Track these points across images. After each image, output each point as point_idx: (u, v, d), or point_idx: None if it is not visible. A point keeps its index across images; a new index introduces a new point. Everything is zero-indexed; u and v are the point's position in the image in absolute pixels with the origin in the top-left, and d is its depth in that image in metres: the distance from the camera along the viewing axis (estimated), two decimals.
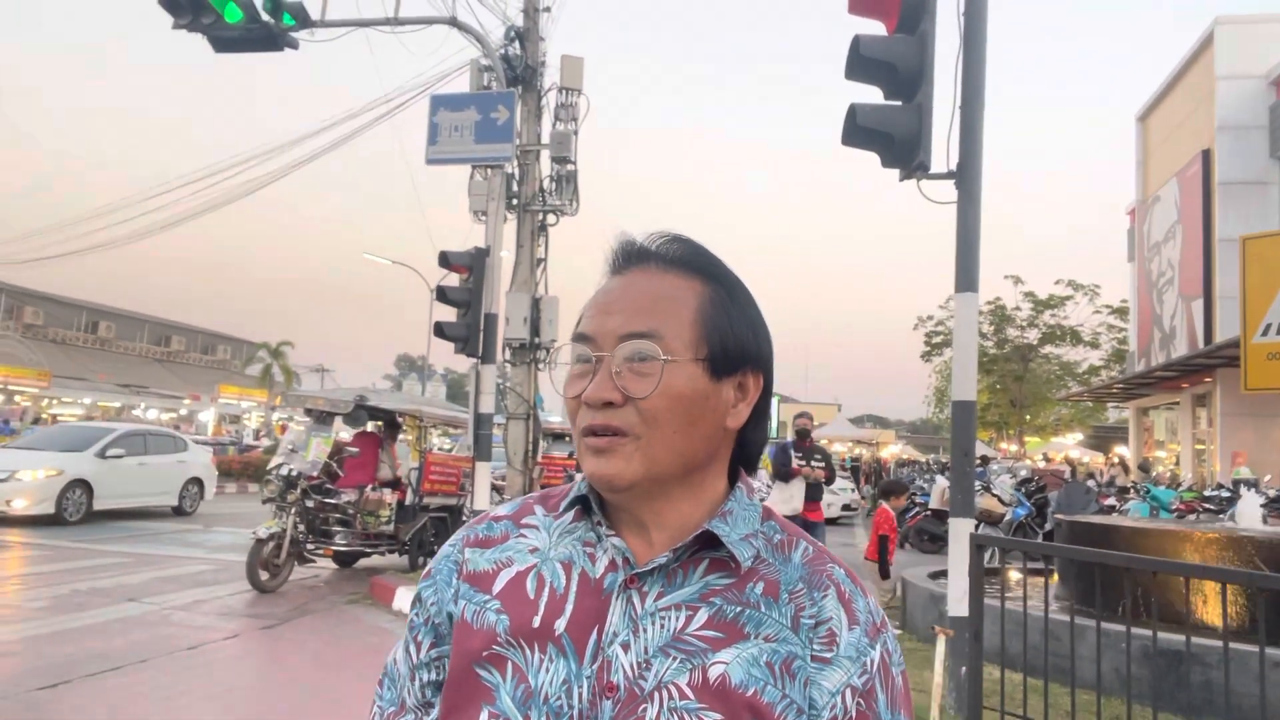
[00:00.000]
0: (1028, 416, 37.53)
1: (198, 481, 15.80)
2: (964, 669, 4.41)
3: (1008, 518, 10.81)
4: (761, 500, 0.95)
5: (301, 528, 8.95)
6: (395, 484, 10.48)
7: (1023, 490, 13.56)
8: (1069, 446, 34.67)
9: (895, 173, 4.88)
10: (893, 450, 42.38)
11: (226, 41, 9.74)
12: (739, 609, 0.85)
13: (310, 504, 9.10)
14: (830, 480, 9.12)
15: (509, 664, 0.85)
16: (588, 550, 0.90)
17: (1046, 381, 37.14)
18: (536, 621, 0.86)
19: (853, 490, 21.92)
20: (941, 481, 13.76)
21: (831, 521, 15.24)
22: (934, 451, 47.72)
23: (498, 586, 0.90)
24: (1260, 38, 19.55)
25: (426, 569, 0.98)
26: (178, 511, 15.27)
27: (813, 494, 8.70)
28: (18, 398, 35.00)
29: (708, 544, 0.87)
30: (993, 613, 4.51)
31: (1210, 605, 5.25)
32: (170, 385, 48.35)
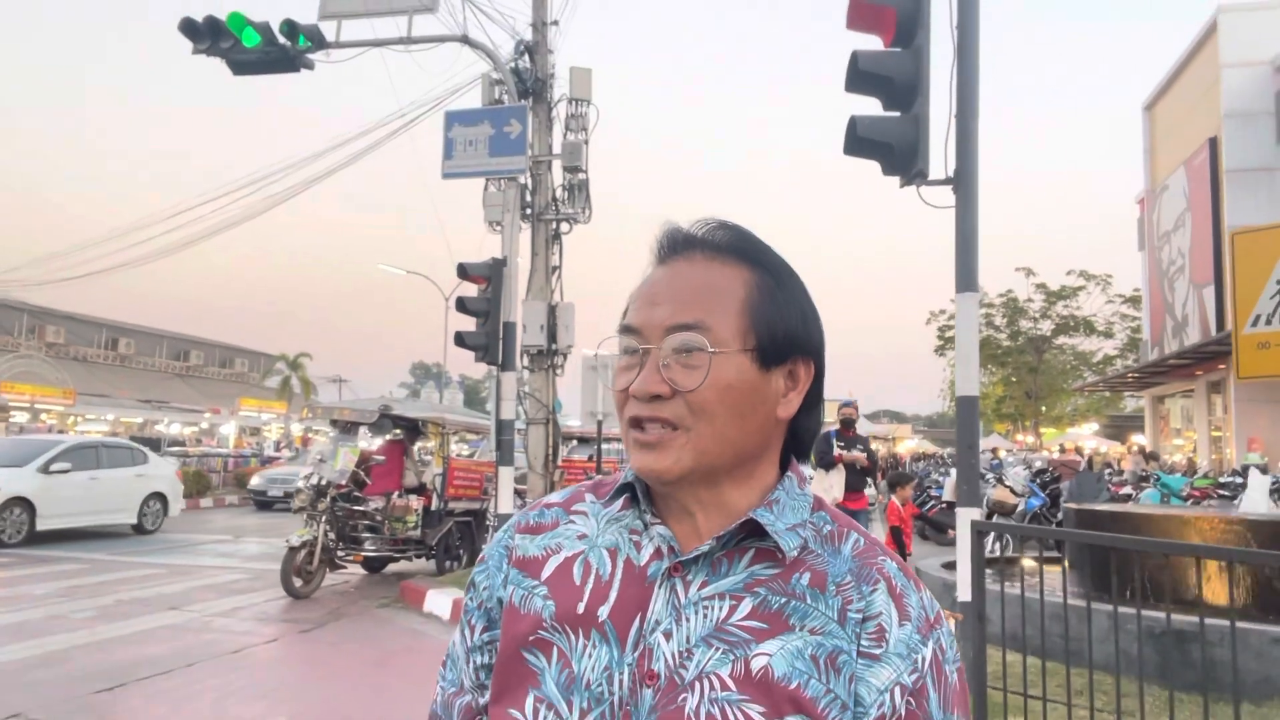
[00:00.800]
0: (1043, 408, 37.53)
1: (160, 497, 14.66)
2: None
3: (1020, 508, 10.98)
4: None
5: (332, 535, 9.24)
6: (420, 490, 10.77)
7: (1037, 481, 13.71)
8: (1085, 436, 34.67)
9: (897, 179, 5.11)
10: (909, 445, 42.41)
11: (244, 64, 10.05)
12: (784, 600, 0.84)
13: (340, 512, 9.40)
14: (872, 471, 9.14)
15: (554, 649, 0.87)
16: (634, 538, 0.90)
17: (1062, 372, 37.15)
18: (581, 608, 0.87)
19: (870, 485, 22.05)
20: (956, 474, 13.89)
21: None
22: (951, 445, 47.68)
23: (546, 572, 0.91)
24: (1264, 25, 19.59)
25: (480, 554, 1.00)
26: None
27: (854, 483, 8.76)
28: (44, 416, 35.56)
29: (754, 533, 0.86)
30: (1010, 600, 4.72)
31: (1206, 584, 5.44)
32: (190, 399, 48.91)
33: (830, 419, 9.81)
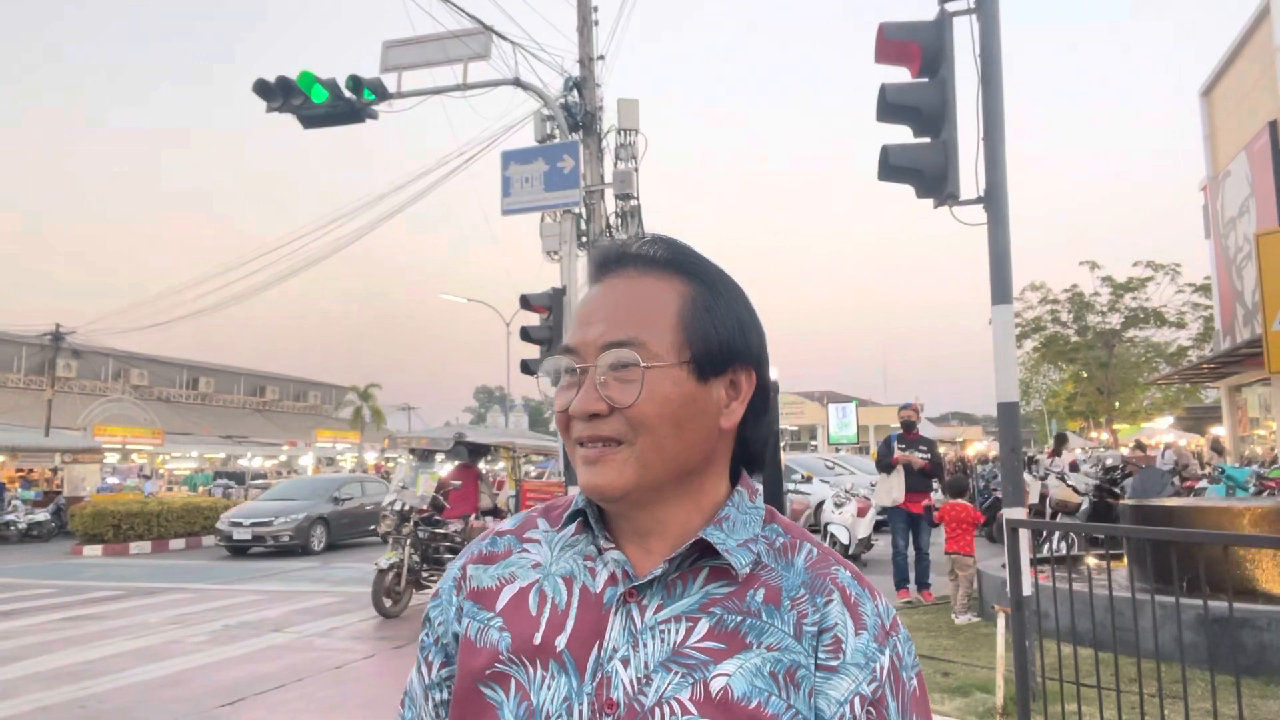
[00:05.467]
0: (1117, 404, 36.69)
1: None
2: (1028, 641, 4.88)
3: (1084, 507, 11.02)
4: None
5: (416, 557, 9.79)
6: (495, 511, 11.29)
7: (1108, 478, 13.63)
8: (1161, 431, 33.82)
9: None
10: (979, 447, 41.72)
11: (314, 118, 10.78)
12: (740, 618, 0.83)
13: (422, 535, 9.95)
14: (936, 473, 9.12)
15: (512, 681, 0.85)
16: (588, 564, 0.89)
17: (1134, 366, 36.32)
18: (538, 638, 0.86)
19: (935, 489, 21.93)
20: (1024, 477, 13.88)
21: None
22: (1024, 445, 46.63)
23: (500, 603, 0.90)
24: None
25: (434, 590, 1.00)
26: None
27: (916, 484, 8.76)
28: (134, 455, 37.31)
29: (706, 552, 0.86)
30: (1063, 595, 4.95)
31: (1258, 572, 5.58)
32: (269, 433, 50.79)
33: (894, 423, 9.97)
